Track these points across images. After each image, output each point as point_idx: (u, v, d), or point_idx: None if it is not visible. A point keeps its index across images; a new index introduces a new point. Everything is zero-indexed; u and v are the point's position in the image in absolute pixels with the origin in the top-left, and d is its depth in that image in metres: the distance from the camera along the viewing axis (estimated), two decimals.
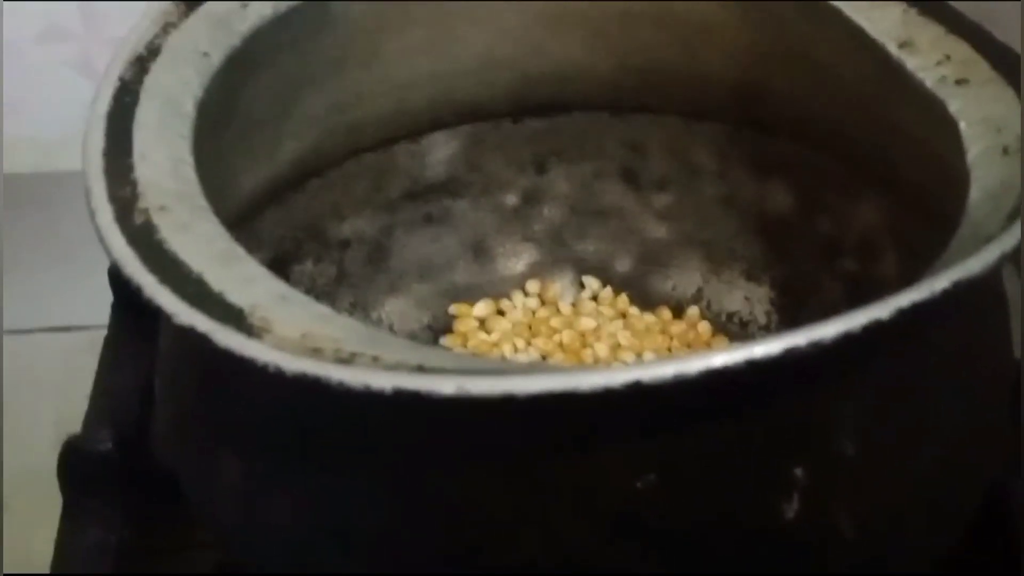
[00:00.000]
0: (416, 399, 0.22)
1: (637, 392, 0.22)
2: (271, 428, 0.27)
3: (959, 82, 0.30)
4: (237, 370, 0.24)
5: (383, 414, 0.25)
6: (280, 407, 0.27)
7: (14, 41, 0.51)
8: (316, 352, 0.24)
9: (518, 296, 0.41)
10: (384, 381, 0.23)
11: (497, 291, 0.41)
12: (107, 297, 0.41)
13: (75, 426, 0.37)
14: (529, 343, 0.40)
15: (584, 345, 0.40)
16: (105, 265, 0.40)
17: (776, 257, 0.40)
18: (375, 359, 0.23)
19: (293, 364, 0.23)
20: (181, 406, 0.30)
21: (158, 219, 0.27)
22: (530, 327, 0.40)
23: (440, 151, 0.40)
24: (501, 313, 0.41)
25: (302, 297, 0.26)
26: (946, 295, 0.23)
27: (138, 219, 0.27)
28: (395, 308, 0.40)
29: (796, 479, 0.25)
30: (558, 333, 0.40)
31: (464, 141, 0.40)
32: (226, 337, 0.24)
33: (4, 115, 0.53)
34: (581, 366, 0.39)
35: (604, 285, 0.41)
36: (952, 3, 0.32)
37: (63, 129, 0.49)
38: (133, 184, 0.28)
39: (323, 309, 0.25)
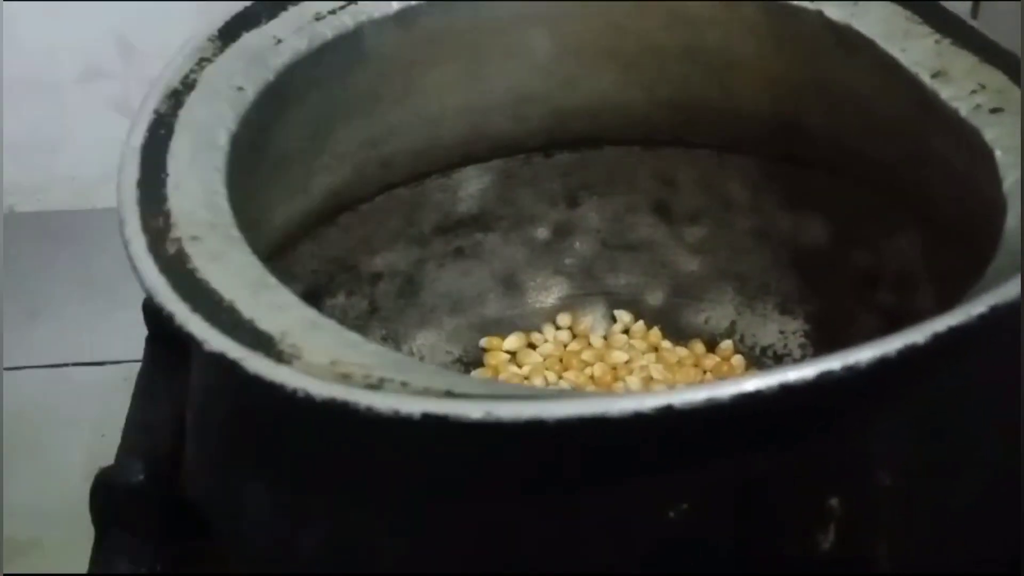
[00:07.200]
0: (444, 424, 0.22)
1: (668, 418, 0.22)
2: (300, 457, 0.27)
3: (994, 111, 0.30)
4: (267, 399, 0.24)
5: (412, 440, 0.25)
6: (309, 436, 0.26)
7: (54, 81, 0.52)
8: (345, 378, 0.24)
9: (549, 329, 0.41)
10: (413, 406, 0.22)
11: (528, 324, 0.41)
12: (141, 332, 0.42)
13: (108, 459, 0.37)
14: (560, 376, 0.40)
15: (616, 378, 0.39)
16: (139, 300, 0.40)
17: (811, 290, 0.40)
18: (404, 384, 0.23)
19: (322, 389, 0.23)
20: (211, 437, 0.30)
21: (190, 248, 0.27)
22: (561, 360, 0.40)
23: (472, 185, 0.40)
24: (532, 346, 0.41)
25: (332, 324, 0.26)
26: (982, 320, 0.23)
27: (171, 248, 0.27)
28: (426, 341, 0.40)
29: (832, 510, 0.25)
30: (589, 366, 0.40)
31: (496, 175, 0.40)
32: (256, 363, 0.24)
33: (44, 154, 0.53)
34: (611, 392, 0.38)
35: (636, 319, 0.41)
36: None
37: (102, 168, 0.50)
38: (166, 214, 0.28)
39: (353, 336, 0.25)
